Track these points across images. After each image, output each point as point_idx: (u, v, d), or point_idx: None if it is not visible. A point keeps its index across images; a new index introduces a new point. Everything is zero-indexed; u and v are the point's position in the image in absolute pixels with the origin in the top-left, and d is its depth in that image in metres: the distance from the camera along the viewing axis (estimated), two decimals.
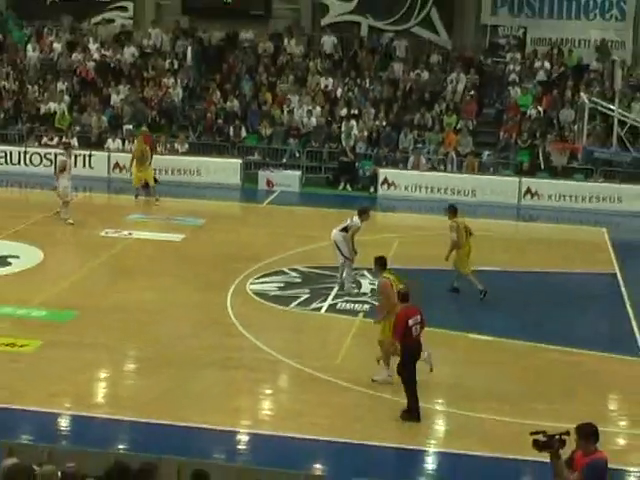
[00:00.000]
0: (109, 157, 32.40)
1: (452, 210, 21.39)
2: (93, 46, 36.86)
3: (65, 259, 22.86)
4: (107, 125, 34.13)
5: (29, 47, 37.07)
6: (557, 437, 9.08)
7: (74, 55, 36.61)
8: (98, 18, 38.56)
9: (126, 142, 33.11)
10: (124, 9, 38.50)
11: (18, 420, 14.58)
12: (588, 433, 9.59)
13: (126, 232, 25.15)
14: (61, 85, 35.51)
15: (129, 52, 36.62)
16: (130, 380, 16.60)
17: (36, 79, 36.04)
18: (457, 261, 21.07)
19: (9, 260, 22.44)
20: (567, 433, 9.16)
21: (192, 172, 32.01)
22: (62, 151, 28.04)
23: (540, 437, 9.11)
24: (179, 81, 35.60)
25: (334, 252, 21.29)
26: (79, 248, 23.88)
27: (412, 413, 14.81)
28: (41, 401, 14.96)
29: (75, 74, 36.27)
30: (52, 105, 34.69)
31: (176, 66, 36.29)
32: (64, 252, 23.42)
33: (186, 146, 33.22)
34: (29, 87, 35.76)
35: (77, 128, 33.78)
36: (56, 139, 33.25)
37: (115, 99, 35.00)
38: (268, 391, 16.08)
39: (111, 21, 38.60)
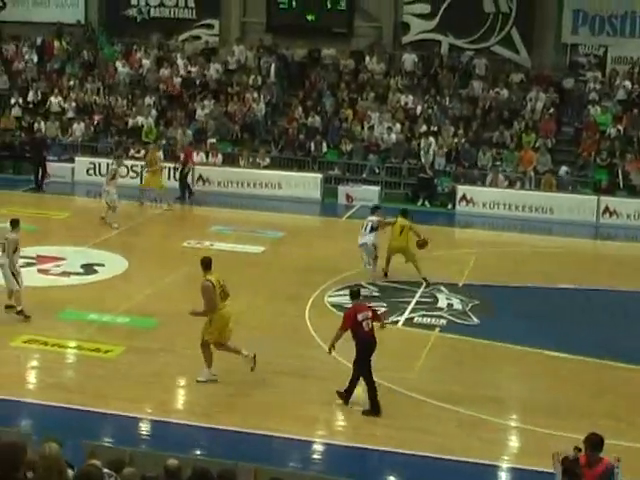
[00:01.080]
0: (193, 170, 33.11)
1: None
2: (180, 62, 37.63)
3: (148, 268, 23.29)
4: (192, 139, 34.86)
5: (119, 63, 37.95)
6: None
7: (162, 71, 37.42)
8: (185, 35, 39.34)
9: (210, 155, 33.79)
10: (210, 27, 39.23)
11: (100, 423, 15.03)
12: (597, 443, 10.45)
13: (207, 243, 25.65)
14: (148, 100, 36.33)
15: (214, 68, 37.33)
16: (208, 387, 16.87)
17: (125, 94, 36.90)
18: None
19: (95, 268, 23.05)
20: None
21: (273, 186, 32.52)
22: (114, 160, 28.84)
23: (571, 455, 9.54)
24: (262, 97, 36.18)
25: (362, 255, 22.61)
26: (162, 258, 24.33)
27: (372, 407, 15.63)
28: (122, 405, 15.40)
29: (162, 89, 37.08)
30: (140, 119, 35.50)
31: (260, 82, 36.86)
32: (147, 261, 23.88)
33: (268, 160, 33.78)
34: (118, 102, 36.65)
35: (163, 141, 34.51)
36: (142, 152, 34.15)
37: (200, 113, 35.70)
38: (342, 402, 16.37)
39: (197, 38, 39.32)
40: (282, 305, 20.86)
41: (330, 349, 16.33)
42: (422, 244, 23.19)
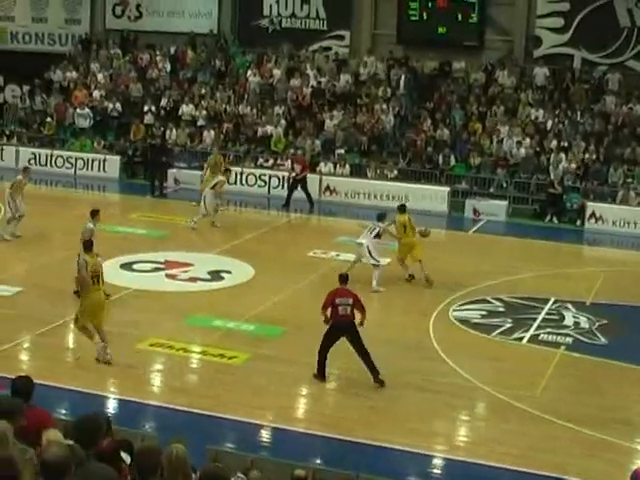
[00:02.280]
0: (321, 180, 33.30)
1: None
2: (310, 73, 37.90)
3: (274, 277, 23.41)
4: (320, 149, 35.06)
5: (250, 73, 38.36)
6: None
7: (292, 81, 37.75)
8: (316, 46, 39.62)
9: (337, 166, 33.93)
10: (341, 38, 39.42)
11: (222, 428, 15.20)
12: None
13: (333, 253, 25.73)
14: (278, 109, 36.67)
15: (344, 79, 37.50)
16: (330, 397, 17.01)
17: (255, 103, 37.33)
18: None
19: (222, 275, 23.32)
20: None
21: (400, 198, 32.40)
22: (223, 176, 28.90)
23: None
24: (391, 108, 36.17)
25: (359, 252, 22.91)
26: (288, 267, 24.44)
27: (318, 373, 16.78)
28: (245, 412, 15.54)
29: (292, 99, 37.40)
30: (269, 128, 35.86)
31: (389, 94, 36.85)
32: (273, 270, 24.00)
33: (395, 172, 33.76)
34: (248, 110, 37.11)
35: (291, 151, 34.80)
36: (271, 161, 34.52)
37: (329, 124, 35.87)
38: (465, 417, 16.22)
39: (328, 49, 39.56)
40: (407, 318, 20.81)
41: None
42: (425, 234, 23.88)
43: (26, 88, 40.42)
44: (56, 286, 21.04)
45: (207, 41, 40.57)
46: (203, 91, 38.10)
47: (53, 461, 6.79)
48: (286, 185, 32.88)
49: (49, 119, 38.34)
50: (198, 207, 28.23)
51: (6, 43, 43.68)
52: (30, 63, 40.84)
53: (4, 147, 36.93)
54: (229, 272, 23.58)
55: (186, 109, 37.39)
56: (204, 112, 37.25)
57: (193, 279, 22.77)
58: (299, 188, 32.00)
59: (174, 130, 36.54)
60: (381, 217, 23.72)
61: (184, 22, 41.12)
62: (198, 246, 25.80)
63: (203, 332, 19.33)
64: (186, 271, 23.27)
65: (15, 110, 39.98)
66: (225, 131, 36.53)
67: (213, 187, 27.87)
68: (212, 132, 36.21)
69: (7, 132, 38.44)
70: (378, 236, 23.20)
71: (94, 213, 21.11)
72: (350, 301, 16.82)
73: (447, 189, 32.70)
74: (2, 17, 43.83)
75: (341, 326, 16.77)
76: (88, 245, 18.00)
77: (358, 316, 17.07)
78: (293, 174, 32.40)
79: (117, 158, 35.85)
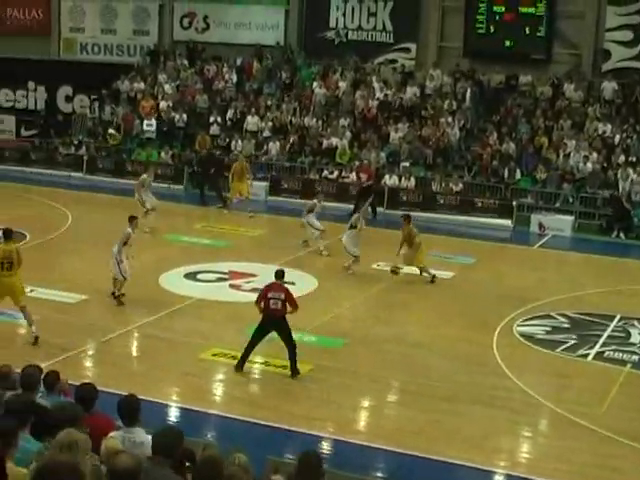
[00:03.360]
0: (385, 192, 33.22)
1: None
2: (376, 85, 37.88)
3: (337, 288, 23.41)
4: (385, 161, 35.01)
5: (315, 85, 38.50)
6: None
7: (357, 93, 37.76)
8: (381, 59, 39.61)
9: (402, 179, 33.84)
10: (407, 50, 39.36)
11: (283, 439, 15.19)
12: None
13: (398, 266, 25.65)
14: (343, 121, 36.71)
15: (410, 92, 37.42)
16: (391, 410, 16.90)
17: (320, 115, 37.42)
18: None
19: (286, 286, 23.37)
20: None
21: (465, 211, 32.38)
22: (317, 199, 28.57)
23: None
24: (457, 121, 36.04)
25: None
26: (351, 279, 24.39)
27: (239, 364, 17.42)
28: (305, 423, 15.51)
29: (357, 111, 37.39)
30: (334, 140, 35.91)
31: (455, 107, 36.74)
32: (337, 282, 23.98)
33: (460, 185, 33.61)
34: (313, 122, 37.19)
35: (356, 163, 34.79)
36: (336, 173, 34.55)
37: (394, 136, 35.82)
38: (527, 433, 16.02)
39: (394, 61, 39.53)
40: (470, 332, 20.63)
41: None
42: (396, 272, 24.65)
43: (94, 98, 40.95)
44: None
45: (273, 53, 40.77)
46: (269, 102, 38.28)
47: (123, 469, 6.83)
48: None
49: (111, 130, 38.73)
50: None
51: (75, 54, 44.30)
52: (98, 74, 41.41)
53: None
54: (292, 283, 23.38)
55: (252, 120, 37.57)
56: (269, 123, 37.41)
57: (256, 290, 22.69)
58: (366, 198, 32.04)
59: (239, 141, 36.74)
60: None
61: (251, 34, 41.37)
62: (262, 257, 25.83)
63: (265, 343, 19.28)
64: (250, 282, 23.27)
65: (83, 120, 40.51)
66: (290, 143, 36.63)
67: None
68: (277, 143, 36.35)
69: (75, 142, 38.90)
70: (354, 227, 25.08)
71: (132, 219, 21.78)
72: (282, 296, 17.39)
73: (513, 203, 32.49)
74: (72, 28, 44.48)
75: (271, 319, 17.36)
76: (7, 235, 18.87)
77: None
78: (362, 183, 32.47)
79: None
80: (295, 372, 17.48)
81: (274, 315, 17.37)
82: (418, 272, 24.62)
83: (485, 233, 30.74)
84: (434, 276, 24.47)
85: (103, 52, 44.11)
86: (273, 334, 17.61)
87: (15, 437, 7.55)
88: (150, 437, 8.49)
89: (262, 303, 17.50)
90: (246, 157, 35.10)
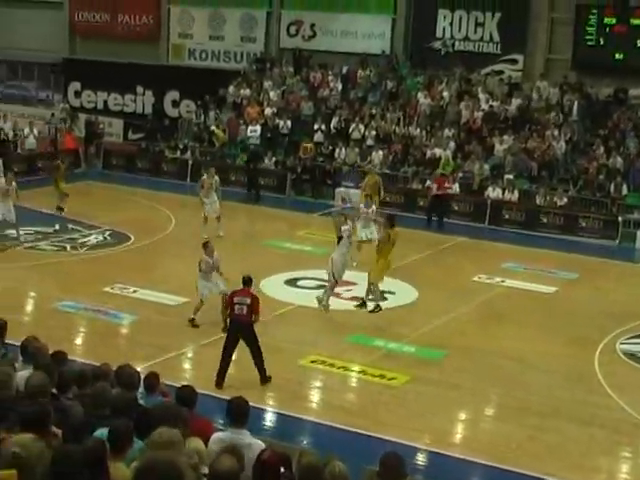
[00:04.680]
0: (488, 204, 32.97)
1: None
2: (482, 96, 37.61)
3: (437, 300, 23.28)
4: (489, 173, 34.72)
5: (420, 94, 38.31)
6: None
7: (462, 104, 37.52)
8: (488, 69, 39.29)
9: (506, 191, 33.51)
10: (514, 62, 38.93)
11: (379, 448, 15.11)
12: None
13: (498, 279, 25.38)
14: (447, 132, 36.50)
15: (516, 103, 37.06)
16: (489, 424, 16.79)
17: (424, 125, 37.27)
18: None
19: (385, 295, 23.26)
20: None
21: (570, 226, 31.95)
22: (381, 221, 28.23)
23: None
24: (563, 135, 35.54)
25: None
26: (451, 290, 24.23)
27: (218, 378, 16.85)
28: (401, 433, 15.40)
29: (462, 122, 37.17)
30: (437, 151, 35.71)
31: (561, 120, 36.23)
32: (437, 293, 23.84)
33: (565, 200, 33.13)
34: (417, 132, 37.06)
35: (460, 174, 34.57)
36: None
37: (498, 148, 35.47)
38: (628, 454, 15.74)
39: (500, 73, 39.17)
40: (571, 348, 20.32)
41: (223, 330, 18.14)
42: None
43: (200, 104, 41.46)
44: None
45: (379, 62, 40.73)
46: (373, 111, 38.25)
47: (225, 471, 6.88)
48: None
49: (214, 128, 39.12)
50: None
51: (183, 60, 44.89)
52: (205, 80, 41.94)
53: None
54: (393, 293, 23.50)
55: (356, 129, 37.59)
56: (373, 132, 37.38)
57: (356, 298, 22.74)
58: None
59: (343, 149, 36.81)
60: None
61: (357, 42, 41.39)
62: (363, 266, 25.78)
63: (364, 351, 19.33)
64: (349, 290, 23.27)
65: (189, 125, 41.02)
66: (394, 152, 36.56)
67: None
68: (380, 152, 36.32)
69: (181, 146, 39.41)
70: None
71: (205, 245, 21.20)
72: (247, 301, 17.02)
73: (618, 219, 31.90)
74: (181, 34, 45.09)
75: (237, 323, 17.08)
76: None
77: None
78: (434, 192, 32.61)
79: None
80: (264, 379, 17.22)
81: (239, 320, 17.05)
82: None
83: (589, 249, 30.23)
84: (364, 303, 21.63)
85: (210, 58, 44.60)
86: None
87: (131, 439, 7.66)
88: (259, 441, 8.61)
89: (228, 309, 17.40)
90: (351, 165, 35.21)
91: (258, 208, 33.64)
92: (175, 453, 6.96)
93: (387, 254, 21.42)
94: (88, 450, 6.81)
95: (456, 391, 17.52)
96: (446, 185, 32.87)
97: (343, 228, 21.75)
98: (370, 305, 21.47)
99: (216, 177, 29.19)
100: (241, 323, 17.07)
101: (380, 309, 21.39)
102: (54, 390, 9.24)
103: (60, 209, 30.06)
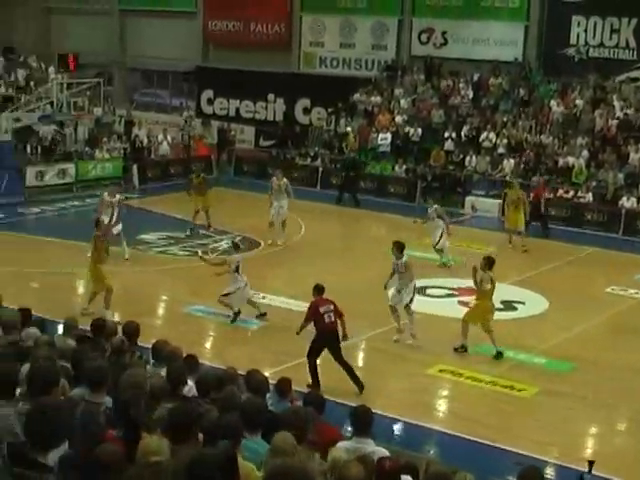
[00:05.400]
0: (622, 214, 32.30)
1: None
2: (617, 104, 36.88)
3: (568, 310, 22.87)
4: (623, 182, 34.01)
5: (553, 102, 37.79)
6: None
7: (596, 112, 36.86)
8: (623, 76, 38.52)
9: (639, 201, 32.80)
10: None
11: (504, 459, 14.91)
12: None
13: (632, 291, 24.85)
14: (581, 140, 35.90)
15: None
16: (618, 439, 16.51)
17: (557, 133, 36.74)
18: None
19: (515, 305, 23.05)
20: None
21: None
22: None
23: None
24: None
25: None
26: (583, 301, 23.81)
27: (313, 384, 16.60)
28: (528, 445, 15.23)
29: (596, 130, 36.50)
30: (570, 159, 35.14)
31: None
32: (568, 303, 23.41)
33: None
34: (549, 140, 36.55)
35: (593, 183, 33.97)
36: (571, 192, 33.81)
37: (633, 157, 34.73)
38: None
39: (636, 80, 38.35)
40: None
41: (298, 333, 17.57)
42: None
43: (331, 111, 41.71)
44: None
45: (511, 69, 40.34)
46: (505, 119, 37.88)
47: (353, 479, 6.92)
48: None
49: (349, 128, 39.27)
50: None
51: (314, 67, 45.23)
52: (336, 87, 42.15)
53: None
54: (522, 303, 23.27)
55: (487, 136, 37.29)
56: (505, 140, 37.02)
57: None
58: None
59: (474, 157, 36.56)
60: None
61: (489, 50, 41.08)
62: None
63: (492, 362, 19.13)
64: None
65: (320, 132, 41.29)
66: (525, 160, 36.12)
67: None
68: (512, 161, 35.93)
69: (311, 153, 39.69)
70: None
71: (236, 246, 22.00)
72: (332, 307, 17.03)
73: None
74: (312, 42, 45.45)
75: (329, 332, 16.98)
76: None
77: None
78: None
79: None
80: (362, 385, 17.03)
81: (331, 329, 17.01)
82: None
83: None
84: (463, 347, 19.73)
85: (341, 66, 44.84)
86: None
87: (241, 434, 7.76)
88: (382, 449, 8.59)
89: (315, 320, 17.07)
90: (481, 174, 34.96)
91: (388, 216, 33.52)
92: (304, 459, 7.01)
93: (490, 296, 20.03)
94: (221, 454, 6.89)
95: (587, 405, 17.26)
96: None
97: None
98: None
99: (284, 179, 28.90)
100: (333, 331, 17.11)
101: (465, 350, 19.78)
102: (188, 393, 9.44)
103: (208, 226, 29.82)
